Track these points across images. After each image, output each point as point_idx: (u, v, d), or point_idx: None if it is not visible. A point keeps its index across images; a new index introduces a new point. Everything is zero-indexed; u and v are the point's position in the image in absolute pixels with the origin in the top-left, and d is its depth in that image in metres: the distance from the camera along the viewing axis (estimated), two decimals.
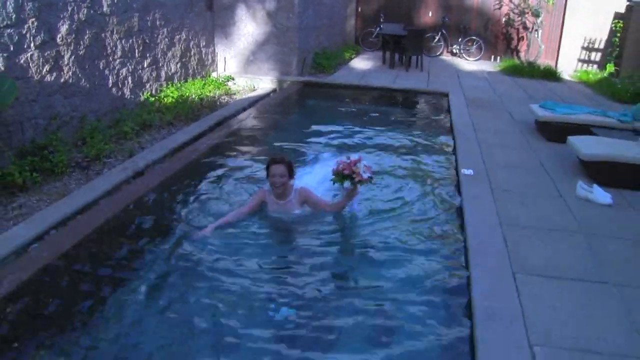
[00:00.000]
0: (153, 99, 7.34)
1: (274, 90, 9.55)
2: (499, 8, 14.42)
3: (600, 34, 13.13)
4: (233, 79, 9.71)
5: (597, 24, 13.03)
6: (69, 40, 5.59)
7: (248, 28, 9.68)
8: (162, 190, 4.64)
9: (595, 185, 4.85)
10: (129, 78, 6.88)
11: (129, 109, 6.75)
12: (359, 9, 15.43)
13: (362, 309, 3.02)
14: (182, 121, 7.06)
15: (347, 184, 3.81)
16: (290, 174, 4.01)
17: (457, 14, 14.81)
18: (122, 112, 6.55)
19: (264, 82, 9.72)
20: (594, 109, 7.26)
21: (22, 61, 5.02)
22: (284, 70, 9.89)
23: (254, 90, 9.51)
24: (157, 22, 7.44)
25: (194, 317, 2.92)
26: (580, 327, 2.80)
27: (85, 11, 5.79)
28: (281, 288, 3.21)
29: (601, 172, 5.17)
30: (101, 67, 6.24)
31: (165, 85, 7.86)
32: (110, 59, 6.41)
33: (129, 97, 6.90)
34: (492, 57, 14.76)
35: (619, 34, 12.49)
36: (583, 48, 13.47)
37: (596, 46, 13.33)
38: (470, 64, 14.05)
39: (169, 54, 7.95)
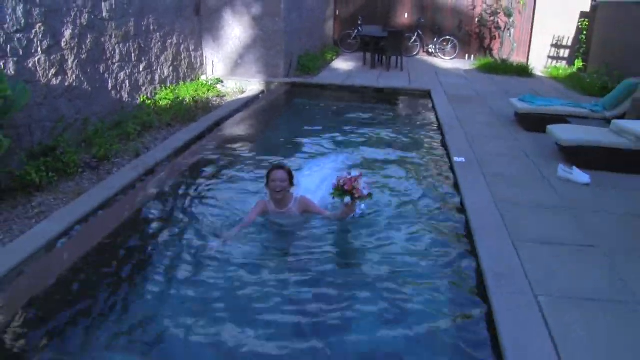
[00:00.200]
0: (149, 101, 7.53)
1: (263, 92, 9.82)
2: (473, 9, 15.02)
3: (568, 32, 13.86)
4: (222, 81, 9.95)
5: (565, 23, 13.76)
6: (72, 45, 5.77)
7: (235, 32, 9.93)
8: (174, 187, 4.88)
9: (574, 167, 5.31)
10: (127, 81, 7.06)
11: (127, 112, 6.94)
12: (337, 12, 15.84)
13: (376, 278, 3.36)
14: (180, 122, 7.27)
15: (347, 199, 3.86)
16: (291, 181, 4.02)
17: (432, 15, 15.36)
18: (121, 115, 6.73)
19: (252, 84, 9.98)
20: (568, 101, 7.80)
21: (30, 65, 5.18)
22: (272, 72, 10.18)
23: (244, 92, 9.76)
24: (151, 27, 7.65)
25: (212, 302, 3.14)
26: (574, 281, 3.24)
27: (86, 16, 5.97)
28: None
29: (578, 155, 5.63)
30: (101, 70, 6.42)
31: (159, 89, 8.05)
32: (110, 62, 6.59)
33: (126, 100, 7.08)
34: (467, 55, 15.36)
35: (585, 32, 13.22)
36: (552, 45, 14.18)
37: (564, 44, 14.04)
38: (446, 62, 14.59)
39: (162, 58, 8.15)
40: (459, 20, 15.23)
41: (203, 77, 9.94)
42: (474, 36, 15.29)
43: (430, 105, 9.00)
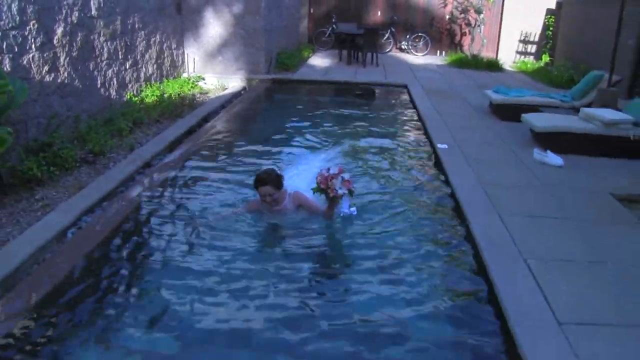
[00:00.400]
0: (136, 98, 7.63)
1: (245, 88, 10.00)
2: (444, 6, 15.53)
3: (535, 28, 14.51)
4: (204, 78, 10.08)
5: (531, 20, 14.41)
6: (64, 42, 5.85)
7: (216, 30, 10.08)
8: (169, 179, 5.05)
9: (548, 151, 5.73)
10: (115, 79, 7.15)
11: (115, 109, 7.03)
12: (311, 11, 16.10)
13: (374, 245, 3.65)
14: (168, 118, 7.40)
15: (323, 196, 3.83)
16: (278, 187, 4.00)
17: (404, 13, 15.80)
18: (110, 112, 6.82)
19: (233, 81, 10.14)
20: (539, 92, 8.29)
21: (24, 62, 5.25)
22: (252, 69, 10.36)
23: (225, 88, 9.91)
24: (136, 25, 7.74)
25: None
26: (555, 246, 3.68)
27: (77, 14, 6.06)
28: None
29: (551, 141, 6.06)
30: (91, 68, 6.50)
31: (144, 86, 8.15)
32: (99, 60, 6.68)
33: (114, 97, 7.17)
34: (438, 51, 15.86)
35: (551, 28, 13.87)
36: (520, 41, 14.82)
37: (532, 39, 14.69)
38: (418, 58, 15.05)
39: (147, 56, 8.25)
40: (431, 17, 15.71)
41: (184, 75, 10.05)
42: (445, 33, 15.80)
43: (408, 98, 9.36)
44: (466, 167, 5.23)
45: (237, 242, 3.79)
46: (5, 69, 4.92)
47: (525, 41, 14.80)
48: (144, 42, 8.10)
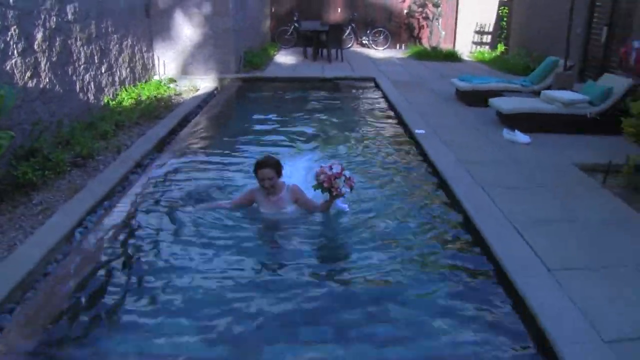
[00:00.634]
0: (113, 102, 7.66)
1: (217, 88, 10.11)
2: (402, 1, 16.05)
3: (489, 19, 15.23)
4: (175, 80, 10.14)
5: (486, 11, 15.13)
6: (44, 47, 5.87)
7: (185, 32, 10.15)
8: (160, 177, 5.21)
9: (516, 131, 6.20)
10: (92, 83, 7.18)
11: (94, 113, 7.06)
12: (273, 10, 16.30)
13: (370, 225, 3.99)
14: (147, 120, 7.47)
15: (326, 195, 3.91)
16: (278, 173, 4.03)
17: (363, 9, 16.23)
18: (91, 116, 6.86)
19: (205, 82, 10.24)
20: (501, 79, 8.85)
21: (8, 68, 5.27)
22: (223, 69, 10.50)
23: (198, 89, 10.00)
24: (109, 29, 7.77)
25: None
26: (535, 210, 4.24)
27: (54, 19, 6.08)
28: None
29: (517, 121, 6.55)
30: (70, 72, 6.53)
31: (119, 90, 8.18)
32: (76, 65, 6.70)
33: (93, 101, 7.19)
34: (398, 45, 16.37)
35: (505, 19, 14.59)
36: (476, 32, 15.52)
37: (487, 30, 15.40)
38: (379, 52, 15.52)
39: (120, 59, 8.28)
40: (389, 12, 16.21)
41: (156, 77, 10.08)
42: (404, 27, 16.34)
43: (378, 90, 9.73)
44: (445, 148, 5.63)
45: (229, 236, 3.87)
46: None
47: (480, 32, 15.51)
48: (117, 45, 8.13)
